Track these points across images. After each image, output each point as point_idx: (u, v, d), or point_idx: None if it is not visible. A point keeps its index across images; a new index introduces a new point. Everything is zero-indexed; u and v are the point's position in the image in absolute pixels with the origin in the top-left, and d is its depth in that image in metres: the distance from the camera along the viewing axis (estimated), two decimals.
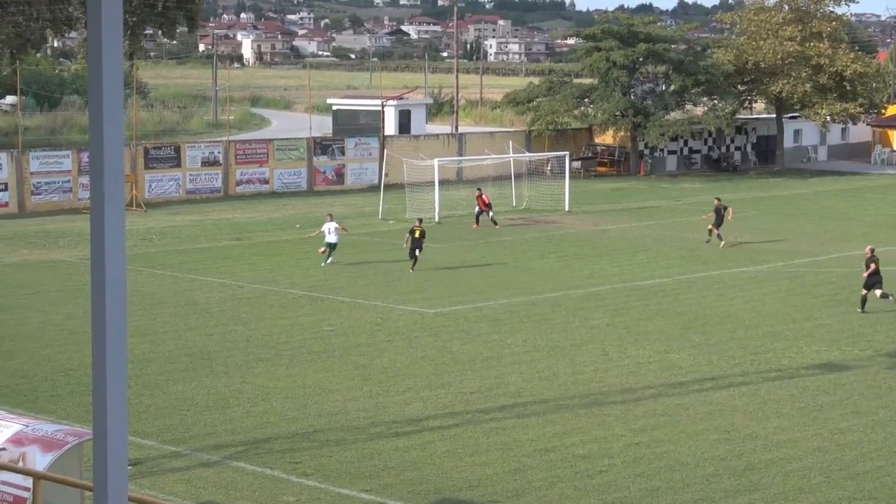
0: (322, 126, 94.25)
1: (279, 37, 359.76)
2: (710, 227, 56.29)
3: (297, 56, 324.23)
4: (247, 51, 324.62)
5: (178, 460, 25.82)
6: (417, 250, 48.95)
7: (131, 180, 65.86)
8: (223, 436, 27.45)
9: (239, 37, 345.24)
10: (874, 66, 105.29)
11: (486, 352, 35.77)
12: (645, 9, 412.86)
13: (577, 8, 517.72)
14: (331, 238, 50.10)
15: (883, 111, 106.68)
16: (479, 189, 63.98)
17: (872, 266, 42.26)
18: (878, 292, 42.01)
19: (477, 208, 62.31)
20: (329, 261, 49.91)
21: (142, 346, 35.23)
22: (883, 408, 30.43)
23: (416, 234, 49.16)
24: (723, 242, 55.17)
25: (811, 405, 30.59)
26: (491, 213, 61.81)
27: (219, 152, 73.87)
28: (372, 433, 27.81)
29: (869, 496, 24.24)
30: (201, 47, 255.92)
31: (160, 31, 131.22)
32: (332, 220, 50.85)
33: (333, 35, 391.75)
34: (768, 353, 36.03)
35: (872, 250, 43.38)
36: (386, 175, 70.04)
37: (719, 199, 57.17)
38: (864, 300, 41.88)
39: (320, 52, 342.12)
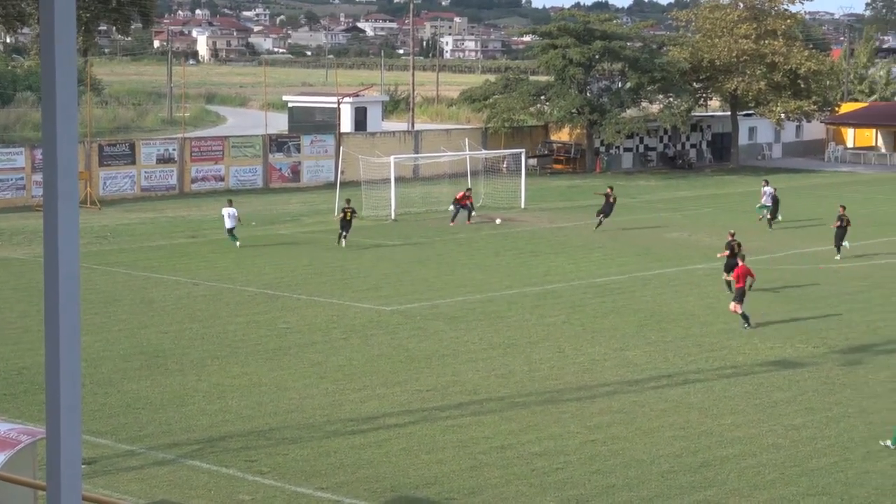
0: (278, 123, 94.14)
1: (234, 33, 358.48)
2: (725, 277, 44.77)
3: (252, 53, 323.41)
4: (202, 47, 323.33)
5: (132, 459, 25.69)
6: (345, 231, 53.83)
7: (85, 177, 65.47)
8: (178, 434, 27.33)
9: (194, 33, 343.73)
10: (828, 64, 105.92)
11: (443, 349, 35.77)
12: (601, 6, 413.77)
13: (534, 5, 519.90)
14: (228, 223, 53.46)
15: (837, 109, 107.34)
16: (468, 189, 64.62)
17: (727, 252, 43.87)
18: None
19: (466, 206, 62.65)
20: (237, 244, 52.94)
21: (96, 344, 35.04)
22: (836, 404, 30.60)
23: (347, 217, 53.85)
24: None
25: (766, 402, 30.73)
26: (473, 213, 62.93)
27: (174, 149, 73.55)
28: (328, 431, 27.76)
29: (823, 492, 24.37)
30: (156, 44, 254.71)
31: (114, 28, 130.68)
32: (231, 206, 54.18)
33: (289, 32, 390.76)
34: (724, 350, 36.17)
35: (733, 234, 45.25)
36: (342, 172, 69.91)
37: (733, 234, 46.72)
38: (728, 283, 42.58)
39: (276, 49, 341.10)
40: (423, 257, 52.07)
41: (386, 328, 38.41)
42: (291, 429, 27.86)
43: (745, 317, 38.83)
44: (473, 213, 62.53)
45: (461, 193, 63.17)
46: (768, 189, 64.69)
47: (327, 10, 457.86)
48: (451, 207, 62.87)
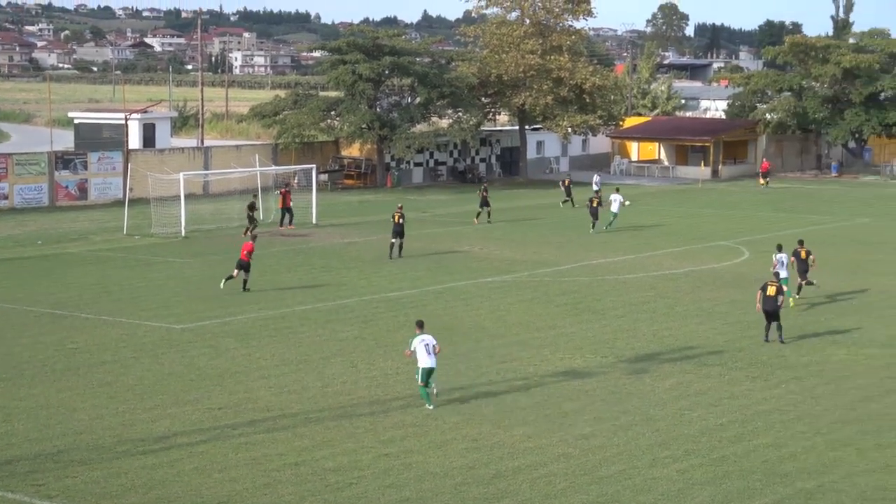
0: (64, 140, 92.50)
1: (17, 48, 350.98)
2: (798, 280, 46.69)
3: (36, 68, 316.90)
4: None
5: None
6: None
7: None
8: None
9: None
10: (612, 80, 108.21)
11: (235, 367, 35.52)
12: (390, 21, 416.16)
13: (323, 21, 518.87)
14: None
15: (621, 123, 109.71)
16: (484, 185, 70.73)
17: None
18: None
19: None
20: None
21: None
22: (624, 413, 31.20)
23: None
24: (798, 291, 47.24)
25: (556, 412, 31.18)
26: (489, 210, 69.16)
27: None
28: (118, 452, 27.34)
29: (612, 499, 24.83)
30: None
31: None
32: None
33: (74, 47, 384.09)
34: (514, 361, 36.60)
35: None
36: (131, 190, 69.01)
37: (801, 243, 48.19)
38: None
39: (61, 65, 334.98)
40: (214, 274, 51.60)
41: (177, 346, 37.98)
42: (81, 450, 27.36)
43: None
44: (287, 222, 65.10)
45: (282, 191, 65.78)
46: (617, 196, 68.36)
47: (113, 26, 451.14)
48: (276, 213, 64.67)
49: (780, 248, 46.93)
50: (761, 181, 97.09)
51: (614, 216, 67.45)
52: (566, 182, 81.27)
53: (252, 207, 63.55)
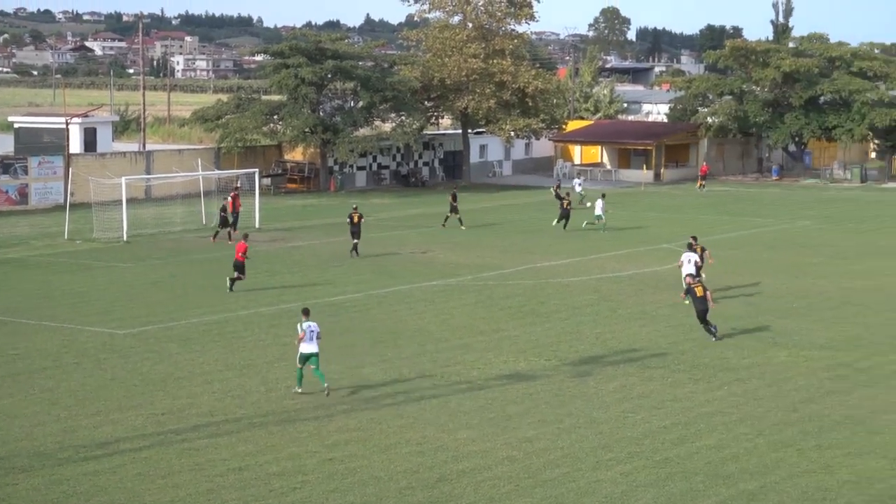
0: (3, 144, 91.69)
1: None
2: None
3: None
4: None
5: None
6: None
7: None
8: None
9: None
10: (554, 83, 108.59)
11: (178, 372, 35.36)
12: (332, 25, 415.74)
13: (265, 24, 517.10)
14: None
15: (564, 127, 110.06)
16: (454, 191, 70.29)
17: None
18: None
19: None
20: None
21: None
22: (568, 415, 31.29)
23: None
24: None
25: (500, 415, 31.24)
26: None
27: None
28: (60, 458, 27.15)
29: (556, 502, 24.90)
30: None
31: None
32: None
33: (14, 51, 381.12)
34: (458, 365, 36.63)
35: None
36: (72, 194, 68.58)
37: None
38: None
39: (0, 69, 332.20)
40: (157, 279, 51.39)
41: (119, 351, 37.78)
42: (22, 457, 27.16)
43: None
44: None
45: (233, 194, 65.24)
46: (600, 202, 70.00)
47: (53, 29, 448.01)
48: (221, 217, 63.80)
49: (689, 247, 48.34)
50: (699, 183, 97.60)
51: (598, 218, 69.08)
52: (557, 187, 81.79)
53: (224, 209, 63.42)
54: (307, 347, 32.86)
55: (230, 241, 59.18)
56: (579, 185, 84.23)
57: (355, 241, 58.19)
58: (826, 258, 59.65)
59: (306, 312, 33.60)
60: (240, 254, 48.22)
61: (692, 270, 45.78)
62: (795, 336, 41.22)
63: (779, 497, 25.31)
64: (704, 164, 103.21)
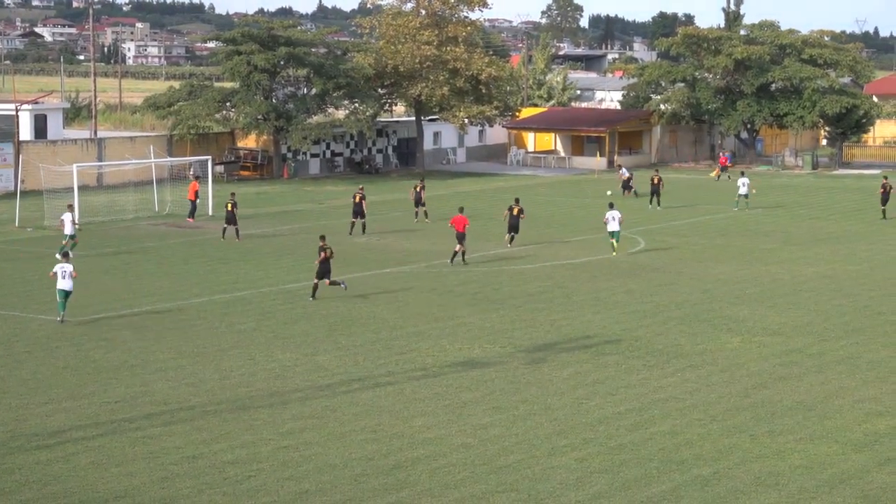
0: None
1: None
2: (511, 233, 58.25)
3: None
4: None
5: None
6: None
7: None
8: None
9: None
10: (508, 70, 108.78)
11: (131, 360, 35.21)
12: (285, 12, 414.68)
13: (217, 11, 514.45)
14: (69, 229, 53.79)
15: (517, 114, 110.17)
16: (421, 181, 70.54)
17: (322, 255, 44.57)
18: (327, 281, 44.59)
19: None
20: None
21: None
22: (523, 402, 31.36)
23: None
24: None
25: (455, 402, 31.27)
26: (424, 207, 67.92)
27: None
28: (12, 447, 26.99)
29: (511, 488, 24.95)
30: None
31: None
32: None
33: None
34: (413, 352, 36.64)
35: (323, 237, 45.54)
36: (22, 181, 68.15)
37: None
38: (315, 288, 44.63)
39: None
40: (109, 267, 51.14)
41: (71, 340, 37.58)
42: None
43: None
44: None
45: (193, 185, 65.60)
46: (745, 181, 74.10)
47: (2, 15, 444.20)
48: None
49: (611, 206, 56.57)
50: (717, 172, 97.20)
51: (745, 196, 74.28)
52: (626, 176, 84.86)
53: (196, 195, 65.13)
54: (62, 284, 39.61)
55: (238, 238, 58.73)
56: (744, 185, 75.24)
57: (357, 220, 61.73)
58: (778, 244, 59.97)
59: (66, 256, 41.44)
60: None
61: (616, 228, 55.44)
62: (748, 322, 41.44)
63: (732, 482, 25.44)
64: (722, 155, 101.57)
